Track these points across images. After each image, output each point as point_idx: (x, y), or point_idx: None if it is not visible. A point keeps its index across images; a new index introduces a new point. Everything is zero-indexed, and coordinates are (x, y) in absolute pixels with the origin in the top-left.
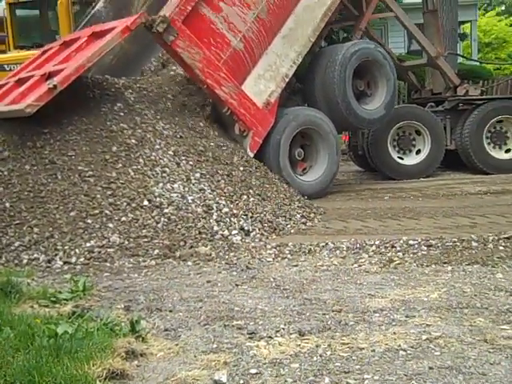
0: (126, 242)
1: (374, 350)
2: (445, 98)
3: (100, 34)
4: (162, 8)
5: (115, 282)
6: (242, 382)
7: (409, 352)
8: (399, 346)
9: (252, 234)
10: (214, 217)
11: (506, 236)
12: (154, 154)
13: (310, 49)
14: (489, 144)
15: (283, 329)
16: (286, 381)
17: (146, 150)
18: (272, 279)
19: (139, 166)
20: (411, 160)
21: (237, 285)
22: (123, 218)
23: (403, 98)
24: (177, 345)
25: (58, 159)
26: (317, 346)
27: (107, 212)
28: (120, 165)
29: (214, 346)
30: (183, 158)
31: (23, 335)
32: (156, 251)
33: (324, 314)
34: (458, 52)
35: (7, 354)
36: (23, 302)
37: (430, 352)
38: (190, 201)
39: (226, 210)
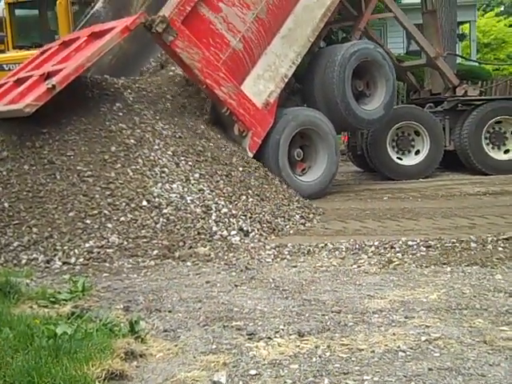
0: (125, 243)
1: (373, 351)
2: (444, 98)
3: (99, 34)
4: (161, 8)
5: (114, 283)
6: (241, 382)
7: (408, 353)
8: (398, 347)
9: (251, 235)
10: (213, 217)
11: (505, 237)
12: (152, 154)
13: (309, 49)
14: (488, 145)
15: (282, 330)
16: (285, 382)
17: (144, 150)
18: (271, 280)
19: (138, 166)
20: (410, 160)
21: (236, 285)
22: (122, 219)
23: (402, 99)
24: (176, 345)
25: (57, 159)
26: (316, 347)
27: (106, 212)
28: (119, 165)
29: (214, 346)
30: (182, 158)
31: (22, 336)
32: (155, 251)
33: (323, 315)
34: (457, 52)
35: (6, 354)
36: (22, 303)
37: (429, 353)
38: (188, 201)
39: (224, 210)
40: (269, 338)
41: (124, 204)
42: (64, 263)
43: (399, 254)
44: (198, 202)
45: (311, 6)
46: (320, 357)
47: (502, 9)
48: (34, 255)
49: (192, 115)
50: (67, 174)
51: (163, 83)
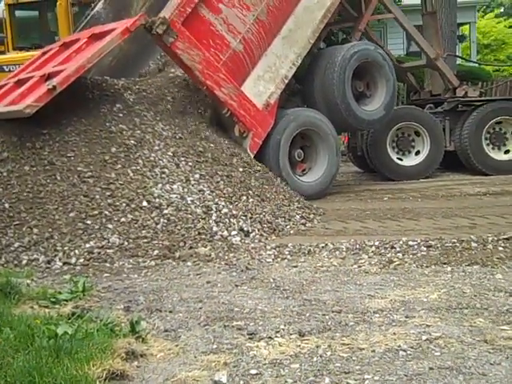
0: (126, 243)
1: (374, 351)
2: (444, 99)
3: (99, 35)
4: (162, 10)
5: (115, 283)
6: (242, 382)
7: (409, 352)
8: (399, 346)
9: (251, 235)
10: (214, 217)
11: (505, 237)
12: (153, 154)
13: (310, 50)
14: (488, 145)
15: (283, 329)
16: (286, 381)
17: (145, 151)
18: (272, 280)
19: (138, 167)
20: (410, 161)
21: (236, 285)
22: (122, 219)
23: (402, 100)
24: (177, 345)
25: (57, 160)
26: (317, 347)
27: (106, 213)
28: (119, 166)
29: (214, 346)
30: (182, 158)
31: (23, 336)
32: (155, 252)
33: (324, 315)
34: (457, 54)
35: (7, 354)
36: (23, 303)
37: (430, 352)
38: (189, 202)
39: (225, 210)
40: (269, 337)
41: (124, 204)
42: (64, 263)
43: (400, 254)
44: (198, 203)
45: (311, 7)
46: (321, 356)
47: (502, 10)
48: (35, 256)
49: (192, 116)
50: (67, 175)
51: (163, 84)
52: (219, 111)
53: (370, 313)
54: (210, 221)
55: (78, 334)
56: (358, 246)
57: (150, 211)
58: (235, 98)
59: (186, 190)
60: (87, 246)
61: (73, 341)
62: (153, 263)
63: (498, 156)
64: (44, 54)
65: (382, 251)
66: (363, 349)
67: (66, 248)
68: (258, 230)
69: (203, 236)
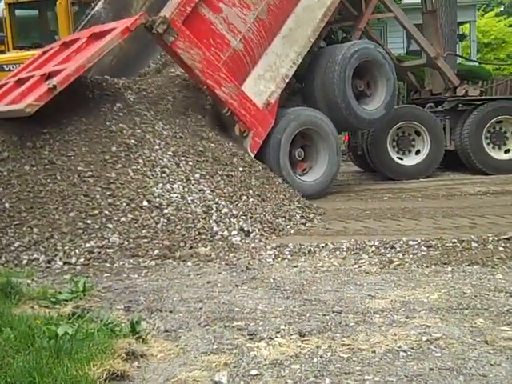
0: (126, 243)
1: (374, 351)
2: (444, 98)
3: (100, 34)
4: (162, 9)
5: (115, 283)
6: (242, 383)
7: (409, 353)
8: (400, 347)
9: (252, 235)
10: (214, 217)
11: (505, 237)
12: (153, 154)
13: (310, 49)
14: (488, 144)
15: (283, 330)
16: (286, 382)
17: (145, 151)
18: (272, 280)
19: (139, 167)
20: (411, 160)
21: (237, 285)
22: (123, 219)
23: (402, 99)
24: (177, 346)
25: (58, 159)
26: (317, 347)
27: (107, 212)
28: (119, 165)
29: (215, 346)
30: (183, 158)
31: (23, 336)
32: (156, 252)
33: (324, 315)
34: (457, 52)
35: (7, 354)
36: (23, 303)
37: (430, 353)
38: (189, 201)
39: (225, 210)
40: (270, 338)
41: (125, 204)
42: (65, 263)
43: (400, 254)
44: (198, 202)
45: (312, 6)
46: (321, 357)
47: (502, 9)
48: (35, 255)
49: (193, 116)
50: (68, 175)
51: (164, 84)
52: (220, 110)
53: (371, 313)
54: (211, 220)
55: (78, 335)
56: (358, 246)
57: (151, 211)
58: (236, 98)
59: (186, 189)
60: (87, 245)
61: (73, 341)
62: (153, 263)
63: (499, 155)
64: (44, 53)
65: (383, 251)
66: (364, 349)
67: (66, 248)
68: (259, 230)
69: (203, 236)
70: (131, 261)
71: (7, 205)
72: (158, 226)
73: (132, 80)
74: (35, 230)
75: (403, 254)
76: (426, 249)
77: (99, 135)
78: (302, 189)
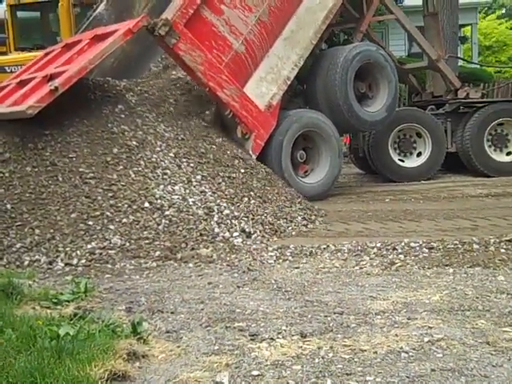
0: (127, 244)
1: (376, 352)
2: (445, 100)
3: (102, 36)
4: (164, 11)
5: (116, 284)
6: (243, 383)
7: (411, 354)
8: (401, 348)
9: (253, 236)
10: (215, 219)
11: (507, 238)
12: (154, 156)
13: (312, 51)
14: (490, 147)
15: (285, 330)
16: (288, 383)
17: (146, 152)
18: (273, 281)
19: (140, 168)
20: (412, 162)
21: (238, 287)
22: (124, 220)
23: (404, 101)
24: (178, 346)
25: (59, 161)
26: (319, 348)
27: (108, 214)
28: (121, 167)
29: (216, 347)
30: (184, 160)
31: (25, 337)
32: (157, 253)
33: (326, 316)
34: (459, 55)
35: (9, 355)
36: (25, 304)
37: (432, 354)
38: (191, 203)
39: (227, 212)
40: (271, 338)
41: (126, 206)
42: (66, 264)
43: (401, 256)
44: (200, 204)
45: (313, 8)
46: (323, 358)
47: (504, 11)
48: (37, 256)
49: (194, 117)
50: (69, 176)
51: (165, 86)
52: (221, 112)
53: (372, 314)
54: (212, 222)
55: (79, 335)
56: (359, 248)
57: (152, 212)
58: (237, 99)
59: (187, 191)
60: (89, 246)
61: (75, 342)
62: (154, 264)
63: (500, 157)
64: (46, 55)
65: (384, 253)
66: (365, 350)
67: (67, 249)
68: (260, 232)
69: (205, 237)
70: (133, 262)
71: (9, 206)
72: (160, 227)
73: (134, 82)
74: (37, 231)
75: (405, 256)
76: (427, 250)
77: (101, 137)
78: (303, 190)
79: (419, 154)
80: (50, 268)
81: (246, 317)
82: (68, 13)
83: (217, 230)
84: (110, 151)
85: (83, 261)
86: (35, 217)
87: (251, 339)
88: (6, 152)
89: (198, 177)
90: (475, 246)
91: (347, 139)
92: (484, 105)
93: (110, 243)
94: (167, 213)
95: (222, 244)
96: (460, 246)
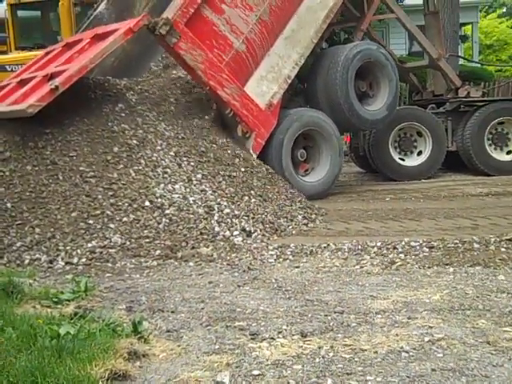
0: (128, 243)
1: (376, 352)
2: (446, 99)
3: (102, 35)
4: (165, 10)
5: (117, 283)
6: (244, 383)
7: (411, 354)
8: (401, 347)
9: (253, 235)
10: (216, 218)
11: (507, 238)
12: (155, 154)
13: (312, 50)
14: (490, 145)
15: (285, 330)
16: (288, 382)
17: (147, 151)
18: (274, 280)
19: (140, 167)
20: (412, 161)
21: (238, 286)
22: (125, 219)
23: (404, 100)
24: (179, 346)
25: (60, 160)
26: (319, 348)
27: (108, 213)
28: (121, 165)
29: (217, 347)
30: (184, 158)
31: (25, 336)
32: (158, 252)
33: (326, 316)
34: (460, 54)
35: (9, 354)
36: (25, 303)
37: (432, 354)
38: (191, 202)
39: (227, 210)
40: (272, 338)
41: (126, 204)
42: (67, 263)
43: (402, 255)
44: (200, 203)
45: (314, 7)
46: (323, 357)
47: (504, 10)
48: (37, 255)
49: (195, 116)
50: (70, 175)
51: (166, 85)
52: (222, 111)
53: (373, 314)
54: (212, 221)
55: (80, 334)
56: (360, 247)
57: (152, 211)
58: (238, 98)
59: (188, 189)
60: (89, 245)
61: (75, 341)
62: (155, 263)
63: (500, 156)
64: (47, 54)
65: (384, 252)
66: (365, 350)
67: (68, 248)
68: (260, 231)
69: (205, 236)
70: (133, 261)
71: (9, 205)
72: (160, 226)
73: (134, 81)
74: (37, 230)
75: (405, 255)
76: (427, 250)
77: (101, 136)
78: (304, 189)
79: (420, 153)
80: (51, 267)
81: (246, 316)
82: (68, 12)
83: (217, 228)
84: (111, 150)
85: (84, 260)
86: (35, 216)
87: (252, 338)
88: (6, 151)
89: (199, 176)
90: (475, 245)
91: (348, 138)
92: (484, 104)
93: (111, 242)
94: (167, 212)
95: (222, 243)
96: (460, 245)
